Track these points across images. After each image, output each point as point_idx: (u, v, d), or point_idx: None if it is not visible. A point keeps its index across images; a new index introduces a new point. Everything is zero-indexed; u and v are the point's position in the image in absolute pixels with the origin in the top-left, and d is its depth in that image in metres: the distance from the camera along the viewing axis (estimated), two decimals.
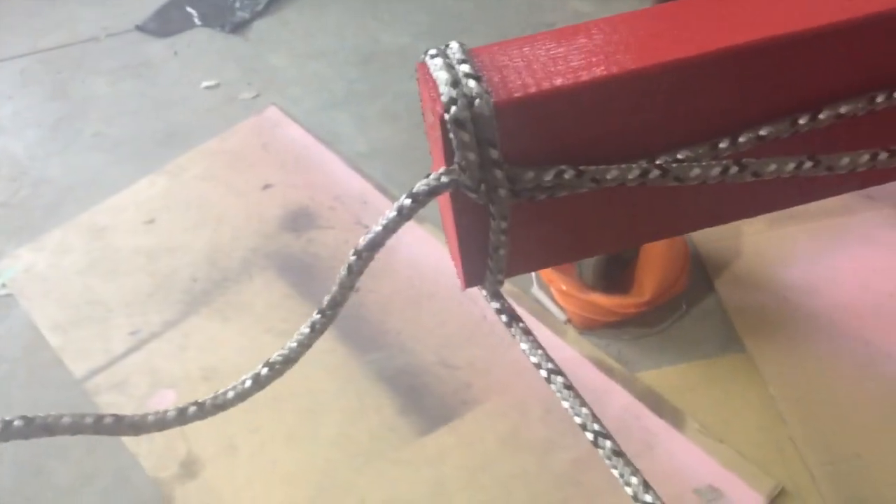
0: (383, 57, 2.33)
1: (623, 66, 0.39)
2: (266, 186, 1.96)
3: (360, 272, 0.48)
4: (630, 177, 0.40)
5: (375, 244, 0.46)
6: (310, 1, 2.56)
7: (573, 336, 1.60)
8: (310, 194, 1.93)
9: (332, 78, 2.29)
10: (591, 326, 1.60)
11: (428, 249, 1.76)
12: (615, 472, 0.51)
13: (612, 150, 0.41)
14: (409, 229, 1.79)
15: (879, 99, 0.42)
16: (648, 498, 0.48)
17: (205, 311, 1.72)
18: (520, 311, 1.75)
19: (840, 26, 0.39)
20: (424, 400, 1.52)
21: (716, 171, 0.41)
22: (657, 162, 0.41)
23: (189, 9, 2.54)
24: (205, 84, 2.29)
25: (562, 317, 1.62)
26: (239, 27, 2.47)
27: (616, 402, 1.47)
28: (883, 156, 0.42)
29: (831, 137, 0.43)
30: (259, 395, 0.60)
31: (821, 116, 0.42)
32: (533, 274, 1.68)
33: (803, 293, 1.56)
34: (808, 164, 0.42)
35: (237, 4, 2.53)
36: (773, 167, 0.41)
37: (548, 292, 1.65)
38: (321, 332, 0.53)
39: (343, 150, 2.04)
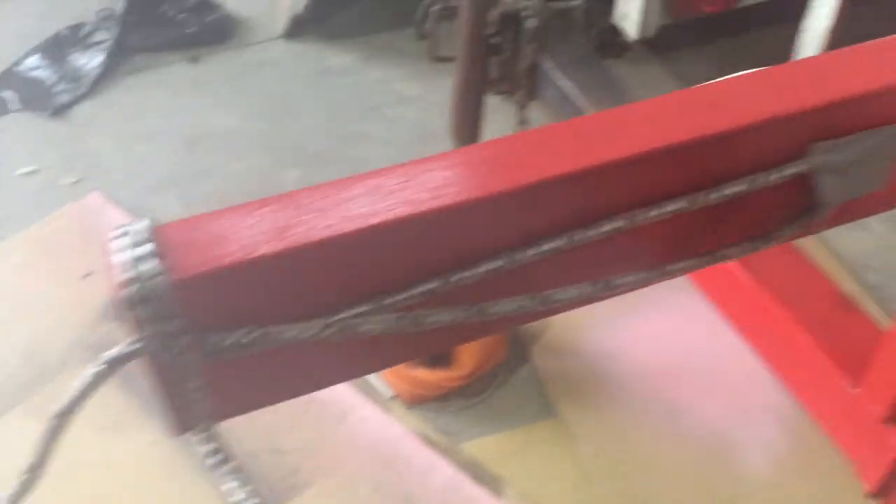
0: (211, 138, 2.34)
1: (291, 242, 0.44)
2: (87, 275, 1.91)
3: (57, 437, 0.49)
4: (307, 335, 0.46)
5: (70, 410, 0.48)
6: (136, 82, 2.54)
7: (400, 411, 1.65)
8: None
9: (159, 160, 2.28)
10: (417, 401, 1.65)
11: None
12: None
13: (297, 308, 0.47)
14: None
15: (544, 248, 0.50)
16: None
17: (19, 409, 1.65)
18: (347, 389, 1.78)
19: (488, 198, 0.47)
20: (257, 487, 1.51)
21: (386, 324, 0.47)
22: (337, 317, 0.47)
23: (6, 93, 2.46)
24: (21, 171, 2.22)
25: (388, 393, 1.67)
26: (61, 110, 2.42)
27: (440, 474, 1.53)
28: (531, 303, 0.50)
29: (492, 286, 0.50)
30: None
31: (468, 273, 0.49)
32: None
33: (607, 358, 1.69)
34: (474, 312, 0.49)
35: (58, 87, 2.47)
36: (435, 318, 0.48)
37: (375, 373, 1.70)
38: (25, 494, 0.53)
39: None
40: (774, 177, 0.55)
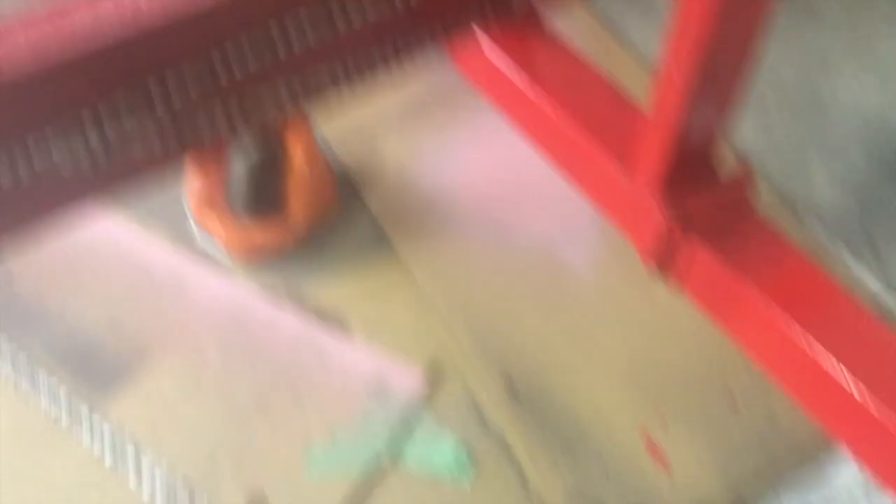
0: None
1: None
2: None
3: None
4: None
5: None
6: None
7: (239, 273, 1.65)
8: None
9: None
10: (254, 260, 1.66)
11: None
12: None
13: None
14: None
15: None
16: None
17: None
18: (181, 257, 1.76)
19: None
20: (100, 366, 1.51)
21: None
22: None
23: None
24: None
25: (225, 256, 1.66)
26: None
27: (287, 328, 1.56)
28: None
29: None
30: None
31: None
32: (191, 218, 1.70)
33: (439, 190, 1.73)
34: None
35: None
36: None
37: (208, 235, 1.68)
38: None
39: None
40: None
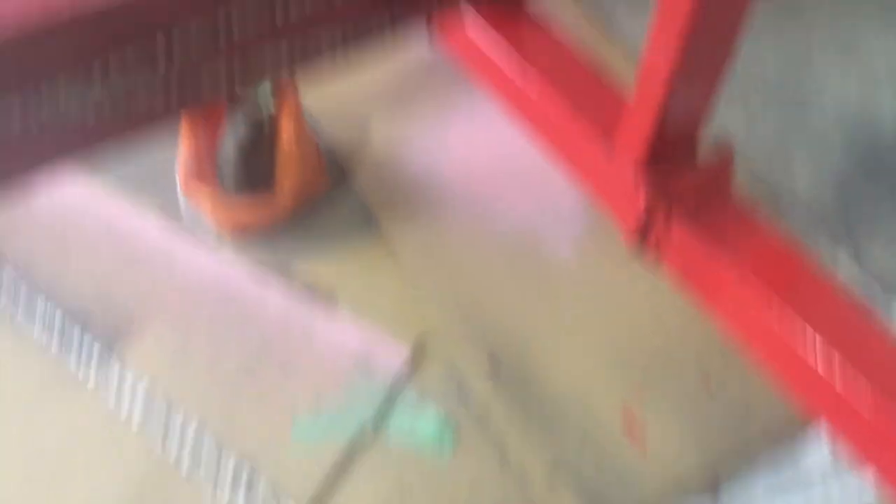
0: None
1: None
2: None
3: None
4: None
5: None
6: None
7: (226, 248, 1.67)
8: None
9: None
10: (242, 236, 1.67)
11: (68, 189, 1.72)
12: None
13: None
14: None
15: None
16: None
17: None
18: (169, 233, 1.78)
19: None
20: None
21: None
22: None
23: None
24: None
25: (212, 231, 1.68)
26: None
27: (274, 304, 1.58)
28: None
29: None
30: None
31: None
32: (179, 193, 1.71)
33: (424, 170, 1.75)
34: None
35: None
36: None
37: (197, 211, 1.69)
38: None
39: None
40: None
